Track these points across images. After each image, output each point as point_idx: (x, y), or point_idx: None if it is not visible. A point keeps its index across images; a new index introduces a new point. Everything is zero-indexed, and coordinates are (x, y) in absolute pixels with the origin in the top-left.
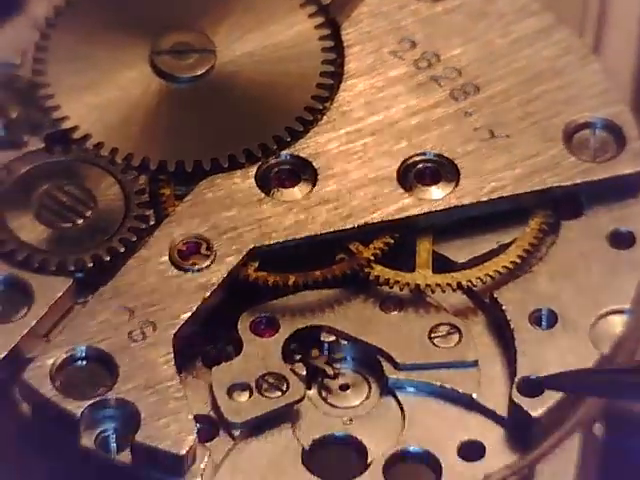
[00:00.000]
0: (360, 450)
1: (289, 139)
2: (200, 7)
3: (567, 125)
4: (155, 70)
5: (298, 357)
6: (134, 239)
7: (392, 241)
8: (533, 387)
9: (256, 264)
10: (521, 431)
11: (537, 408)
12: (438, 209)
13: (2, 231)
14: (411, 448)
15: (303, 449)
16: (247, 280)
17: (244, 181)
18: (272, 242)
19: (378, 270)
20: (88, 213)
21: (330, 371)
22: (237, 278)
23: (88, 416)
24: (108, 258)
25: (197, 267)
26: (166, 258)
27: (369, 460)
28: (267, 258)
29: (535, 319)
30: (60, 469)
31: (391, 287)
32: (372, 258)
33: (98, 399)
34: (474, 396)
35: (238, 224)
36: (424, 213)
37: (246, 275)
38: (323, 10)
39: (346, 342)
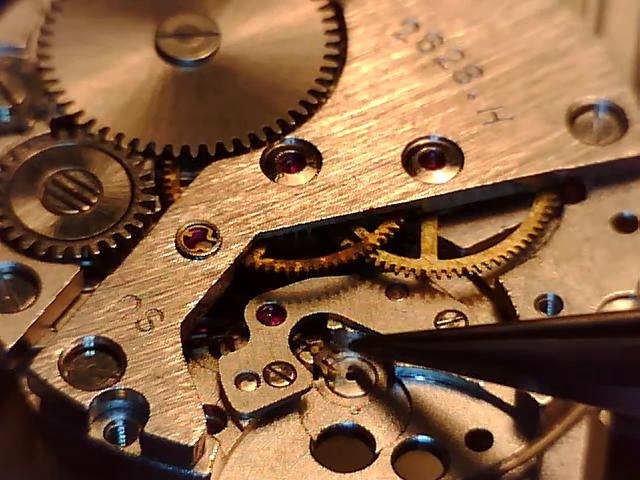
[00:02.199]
0: (368, 440)
1: (294, 123)
2: None
3: (570, 108)
4: (160, 54)
5: (304, 345)
6: (140, 226)
7: (397, 227)
8: None
9: (262, 251)
10: (528, 419)
11: (544, 396)
12: (443, 193)
13: (8, 218)
14: (419, 437)
15: (311, 439)
16: (253, 267)
17: (249, 166)
18: (278, 228)
19: (383, 256)
20: (94, 200)
21: (325, 370)
22: (243, 265)
23: (97, 407)
24: (114, 245)
25: (203, 254)
26: (172, 245)
27: (377, 450)
28: (273, 246)
29: (541, 305)
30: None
31: (396, 273)
32: (377, 244)
33: (106, 390)
34: (481, 384)
35: (244, 210)
36: (429, 197)
37: (252, 262)
38: None
39: (353, 330)
